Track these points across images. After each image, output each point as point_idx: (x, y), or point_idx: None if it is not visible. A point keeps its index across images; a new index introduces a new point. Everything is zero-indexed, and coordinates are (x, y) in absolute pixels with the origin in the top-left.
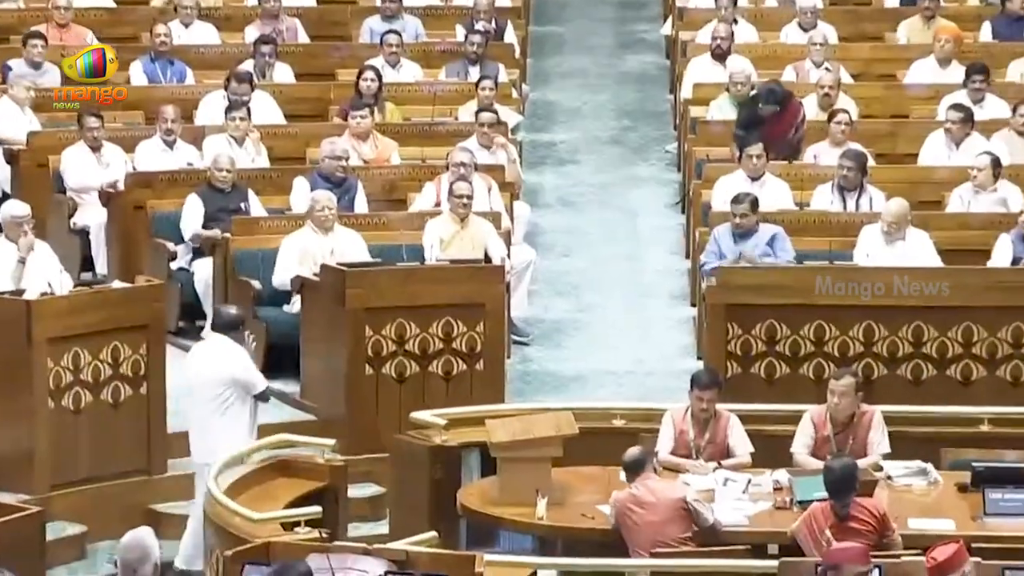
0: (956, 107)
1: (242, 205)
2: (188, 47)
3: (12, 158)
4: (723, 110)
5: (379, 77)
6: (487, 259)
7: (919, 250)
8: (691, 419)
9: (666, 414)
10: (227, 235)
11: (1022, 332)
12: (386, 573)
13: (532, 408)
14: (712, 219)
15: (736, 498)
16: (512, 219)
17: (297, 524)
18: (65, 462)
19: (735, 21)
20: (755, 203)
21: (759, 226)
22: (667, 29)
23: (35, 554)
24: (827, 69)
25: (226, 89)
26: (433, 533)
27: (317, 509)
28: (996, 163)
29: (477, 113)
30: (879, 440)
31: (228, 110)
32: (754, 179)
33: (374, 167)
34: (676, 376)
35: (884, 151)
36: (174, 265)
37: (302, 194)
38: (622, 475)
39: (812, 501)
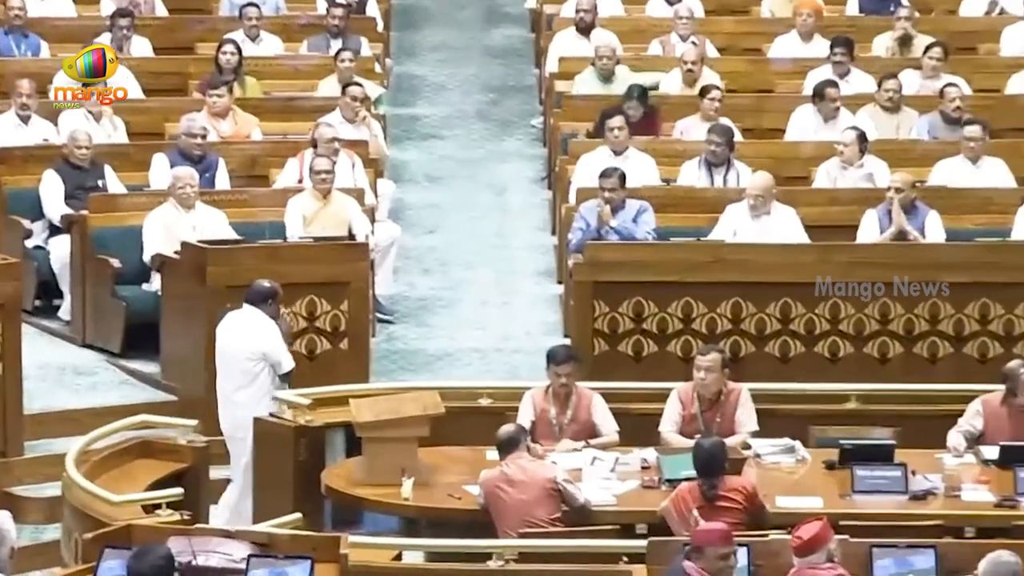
0: (830, 83)
1: (99, 182)
2: (43, 20)
3: None
4: (588, 84)
5: (239, 51)
6: (351, 236)
7: (785, 226)
8: (552, 397)
9: (526, 394)
10: (84, 212)
11: (889, 308)
12: (249, 556)
13: (398, 387)
14: (579, 195)
15: (604, 477)
16: (376, 195)
17: (158, 506)
18: None
19: None
20: (623, 177)
21: (626, 202)
22: (532, 2)
23: None
24: (693, 43)
25: None
26: (297, 515)
27: (178, 491)
28: (862, 138)
29: (344, 88)
30: (747, 418)
31: (85, 84)
32: (617, 153)
33: (235, 143)
34: (543, 354)
35: (750, 126)
36: (30, 243)
37: (161, 171)
38: (489, 454)
39: (680, 480)
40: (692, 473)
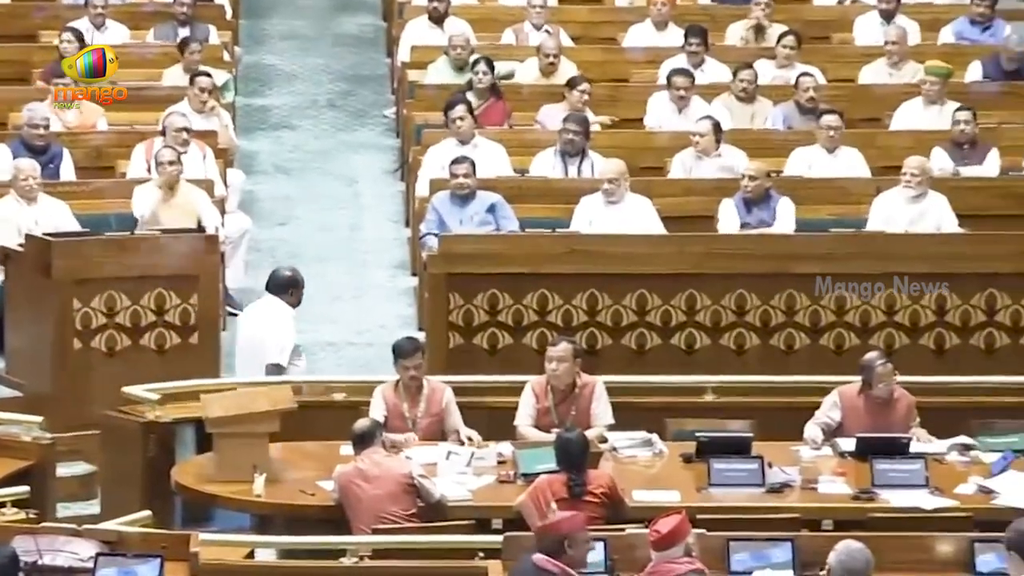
0: (681, 72)
1: None
2: None
3: None
4: (442, 74)
5: (80, 39)
6: (200, 228)
7: (641, 217)
8: (402, 391)
9: (376, 389)
10: None
11: (746, 299)
12: (97, 555)
13: (249, 382)
14: (432, 186)
15: (459, 472)
16: (226, 186)
17: (3, 505)
18: None
19: None
20: (474, 165)
21: (477, 193)
22: None
23: None
24: (547, 32)
25: None
26: (147, 512)
27: (24, 489)
28: (717, 128)
29: (192, 77)
30: (602, 411)
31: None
32: (464, 143)
33: (80, 133)
34: None
35: (605, 116)
36: None
37: (3, 162)
38: (343, 449)
39: (537, 474)
40: (548, 467)
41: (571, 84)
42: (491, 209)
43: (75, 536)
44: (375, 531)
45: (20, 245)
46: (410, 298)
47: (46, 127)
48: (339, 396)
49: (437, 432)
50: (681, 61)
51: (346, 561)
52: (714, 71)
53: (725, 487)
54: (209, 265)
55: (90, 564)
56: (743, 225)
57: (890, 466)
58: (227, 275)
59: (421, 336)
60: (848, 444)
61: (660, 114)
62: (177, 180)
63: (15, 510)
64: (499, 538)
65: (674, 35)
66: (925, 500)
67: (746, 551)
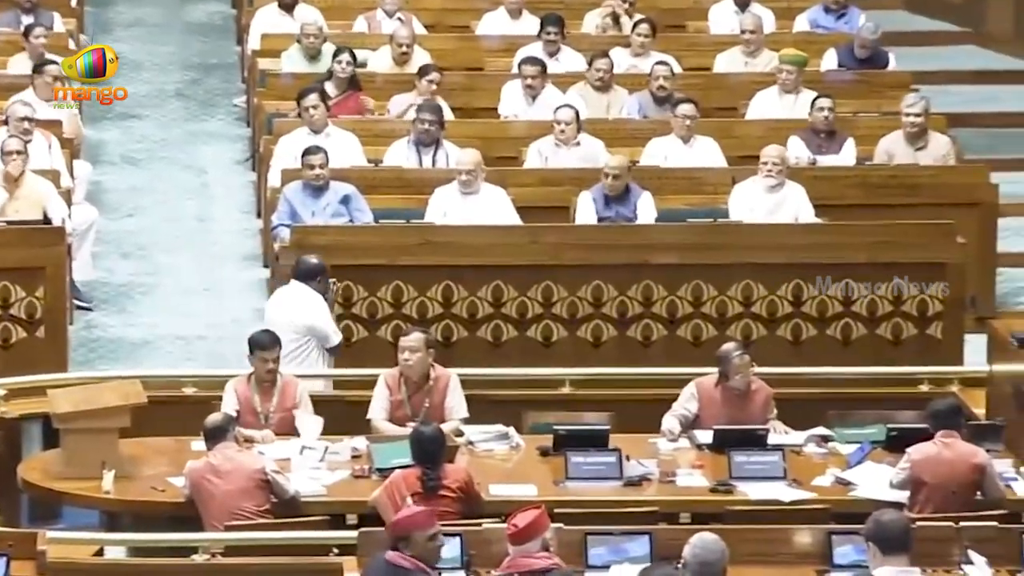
0: (530, 60)
1: None
2: None
3: None
4: (294, 62)
5: None
6: (46, 220)
7: (496, 207)
8: (255, 385)
9: (228, 383)
10: None
11: (603, 291)
12: None
13: (97, 376)
14: (283, 177)
15: (313, 467)
16: (73, 177)
17: None
18: None
19: None
20: (326, 155)
21: (330, 183)
22: None
23: None
24: (400, 20)
25: None
26: None
27: None
28: (578, 116)
29: (37, 66)
30: (457, 404)
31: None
32: (316, 132)
33: None
34: None
35: (459, 105)
36: None
37: None
38: (194, 445)
39: (392, 468)
40: (404, 461)
41: (421, 73)
42: (345, 200)
43: None
44: (227, 527)
45: None
46: (262, 291)
47: None
48: (190, 391)
49: (291, 427)
50: (537, 50)
51: (197, 558)
52: (570, 60)
53: (582, 480)
54: (55, 257)
55: None
56: (602, 219)
57: (748, 458)
58: (74, 268)
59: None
60: (706, 436)
61: (514, 103)
62: (23, 171)
63: None
64: (354, 534)
65: (529, 23)
66: (783, 492)
67: (603, 545)
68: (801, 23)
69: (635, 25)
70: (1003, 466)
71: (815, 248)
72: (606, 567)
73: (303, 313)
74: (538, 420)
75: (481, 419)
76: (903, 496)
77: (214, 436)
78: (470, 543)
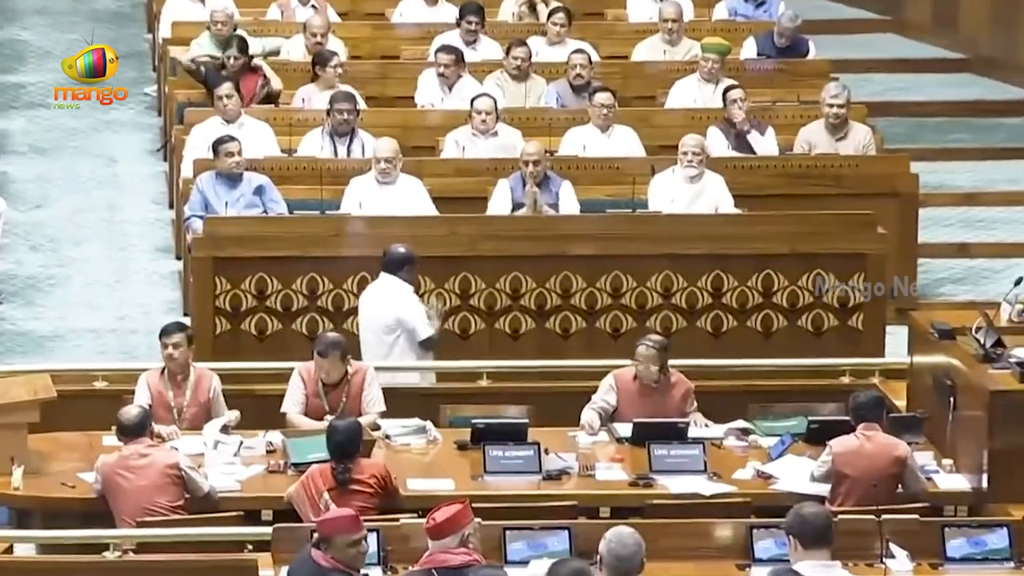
0: (445, 48)
1: None
2: None
3: None
4: (204, 50)
5: None
6: None
7: (412, 198)
8: (168, 379)
9: (141, 377)
10: None
11: (521, 282)
12: None
13: (5, 371)
14: (196, 167)
15: (227, 462)
16: None
17: None
18: None
19: None
20: (240, 145)
21: (244, 174)
22: None
23: None
24: (314, 7)
25: None
26: None
27: None
28: (496, 106)
29: None
30: (374, 397)
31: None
32: (230, 122)
33: None
34: None
35: (374, 94)
36: None
37: None
38: (106, 440)
39: (308, 463)
40: (320, 456)
41: (321, 62)
42: (259, 191)
43: None
44: (140, 524)
45: None
46: (174, 282)
47: None
48: (100, 384)
49: (204, 421)
50: (455, 38)
51: (109, 555)
52: (488, 49)
53: (501, 475)
54: None
55: None
56: (516, 206)
57: (668, 451)
58: None
59: (187, 321)
60: (625, 430)
61: (430, 92)
62: None
63: None
64: (269, 530)
65: (446, 11)
66: (703, 486)
67: (522, 540)
68: (720, 11)
69: (551, 14)
70: (924, 459)
71: (735, 239)
72: (525, 562)
73: (391, 306)
74: (456, 413)
75: (398, 413)
76: (824, 489)
77: (131, 432)
78: (387, 538)
